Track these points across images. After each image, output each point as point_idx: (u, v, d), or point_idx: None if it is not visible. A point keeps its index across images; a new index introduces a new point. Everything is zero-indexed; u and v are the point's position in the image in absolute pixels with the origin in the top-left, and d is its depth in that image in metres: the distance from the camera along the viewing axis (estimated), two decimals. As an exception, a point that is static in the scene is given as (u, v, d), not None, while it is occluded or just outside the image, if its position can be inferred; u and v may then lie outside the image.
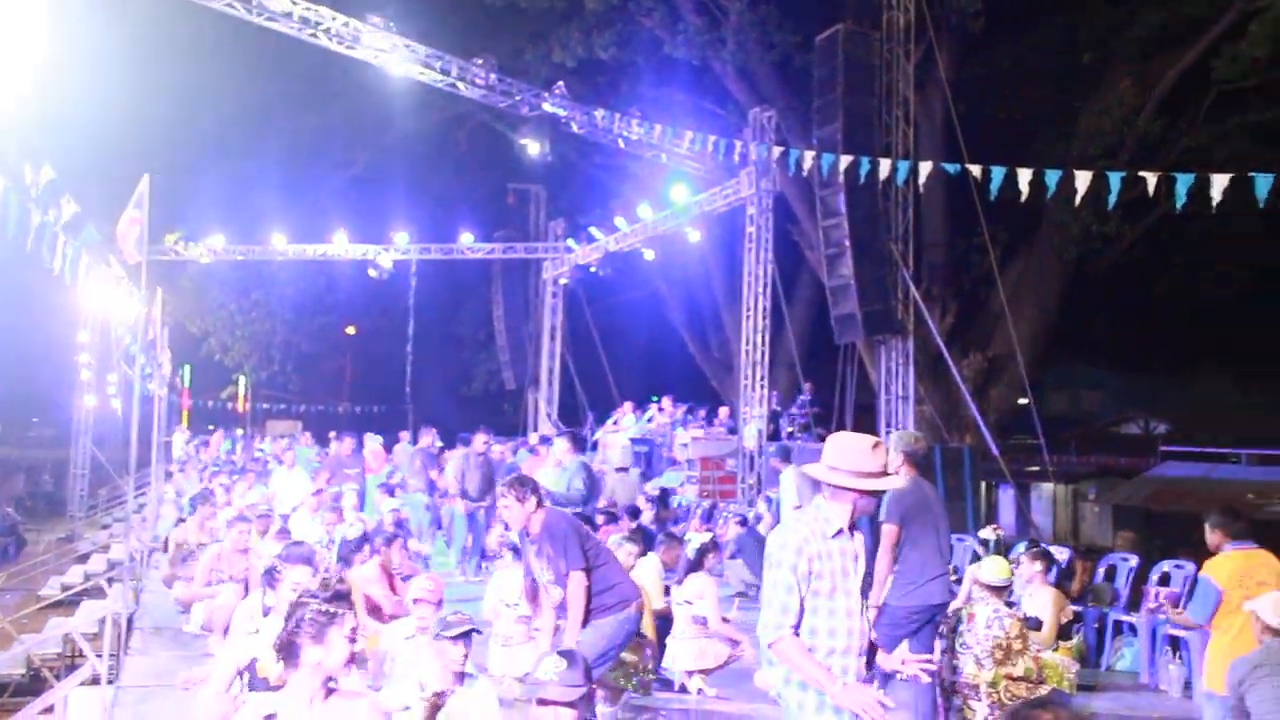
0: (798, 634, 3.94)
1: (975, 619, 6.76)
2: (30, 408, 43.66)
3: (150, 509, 16.58)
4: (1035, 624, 7.20)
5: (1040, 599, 7.41)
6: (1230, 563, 6.09)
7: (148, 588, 11.79)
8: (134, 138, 22.50)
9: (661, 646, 7.87)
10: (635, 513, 12.35)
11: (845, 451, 4.04)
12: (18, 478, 32.54)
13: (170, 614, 10.14)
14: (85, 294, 16.04)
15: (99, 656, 8.20)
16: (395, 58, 17.82)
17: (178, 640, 9.36)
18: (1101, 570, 9.82)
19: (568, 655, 3.86)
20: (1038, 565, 7.52)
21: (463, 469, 12.88)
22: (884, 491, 4.22)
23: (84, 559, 18.77)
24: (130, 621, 9.92)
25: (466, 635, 5.13)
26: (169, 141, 24.93)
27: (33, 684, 11.36)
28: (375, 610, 7.43)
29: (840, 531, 4.02)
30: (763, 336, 17.81)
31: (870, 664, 4.16)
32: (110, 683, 7.92)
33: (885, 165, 13.24)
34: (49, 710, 7.86)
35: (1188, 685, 7.97)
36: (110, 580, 13.74)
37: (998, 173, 11.15)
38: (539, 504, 6.10)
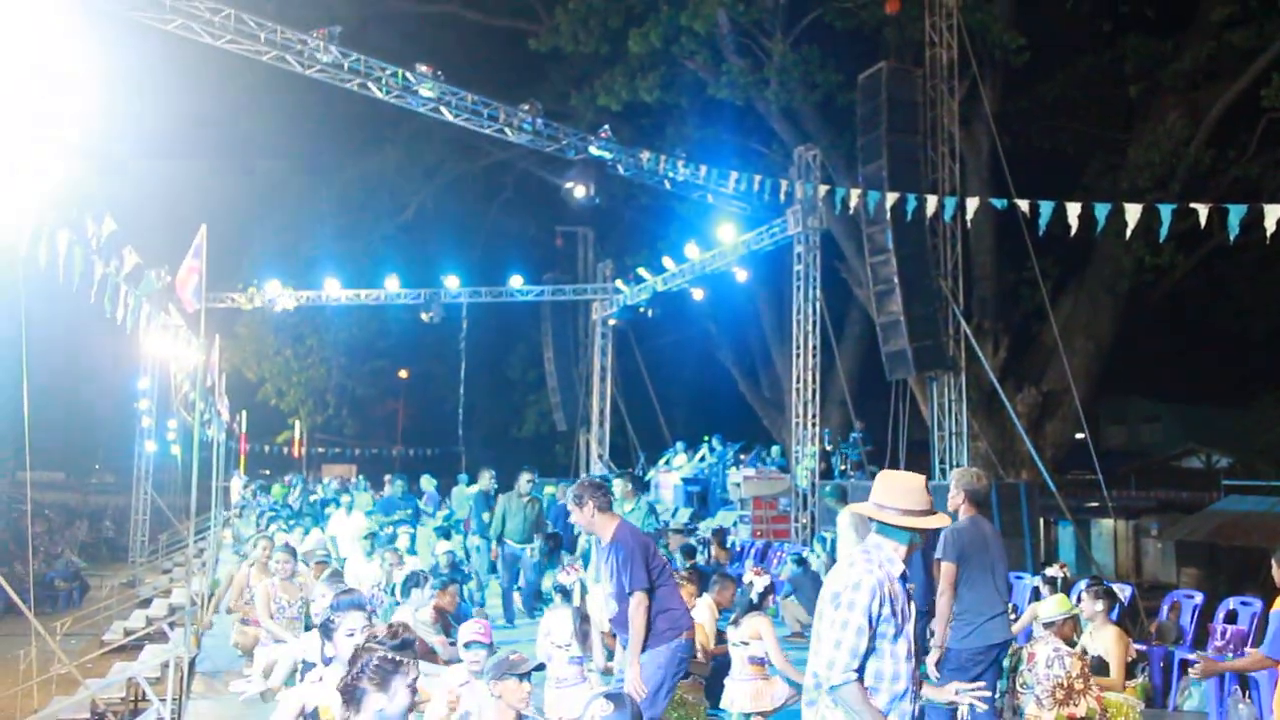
0: (861, 678, 3.92)
1: (1036, 658, 6.67)
2: (92, 454, 44.56)
3: (210, 554, 16.80)
4: (1097, 663, 7.09)
5: (1104, 638, 7.29)
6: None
7: (209, 632, 11.93)
8: (191, 188, 23.05)
9: (718, 687, 7.84)
10: (691, 552, 12.32)
11: (894, 489, 4.06)
12: (80, 523, 33.07)
13: (231, 657, 10.26)
14: (146, 342, 16.43)
15: (162, 700, 8.31)
16: (444, 106, 18.13)
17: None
18: (1166, 607, 9.66)
19: (615, 698, 3.82)
20: (1099, 604, 7.40)
21: (504, 511, 12.73)
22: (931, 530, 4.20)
23: (146, 603, 18.97)
24: (192, 665, 10.04)
25: (530, 673, 5.13)
26: (225, 192, 25.47)
27: (97, 728, 11.49)
28: (428, 655, 7.47)
29: (904, 574, 4.03)
30: (813, 374, 17.78)
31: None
32: (174, 727, 8.02)
33: (932, 201, 13.21)
34: (115, 754, 7.98)
35: (1258, 724, 7.79)
36: (172, 624, 13.93)
37: (1046, 207, 11.09)
38: (599, 509, 6.08)
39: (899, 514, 4.00)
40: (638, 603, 5.89)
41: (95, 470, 46.40)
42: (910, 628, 4.00)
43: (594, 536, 6.26)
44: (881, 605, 3.91)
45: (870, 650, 3.92)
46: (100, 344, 25.22)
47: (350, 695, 3.39)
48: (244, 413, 33.35)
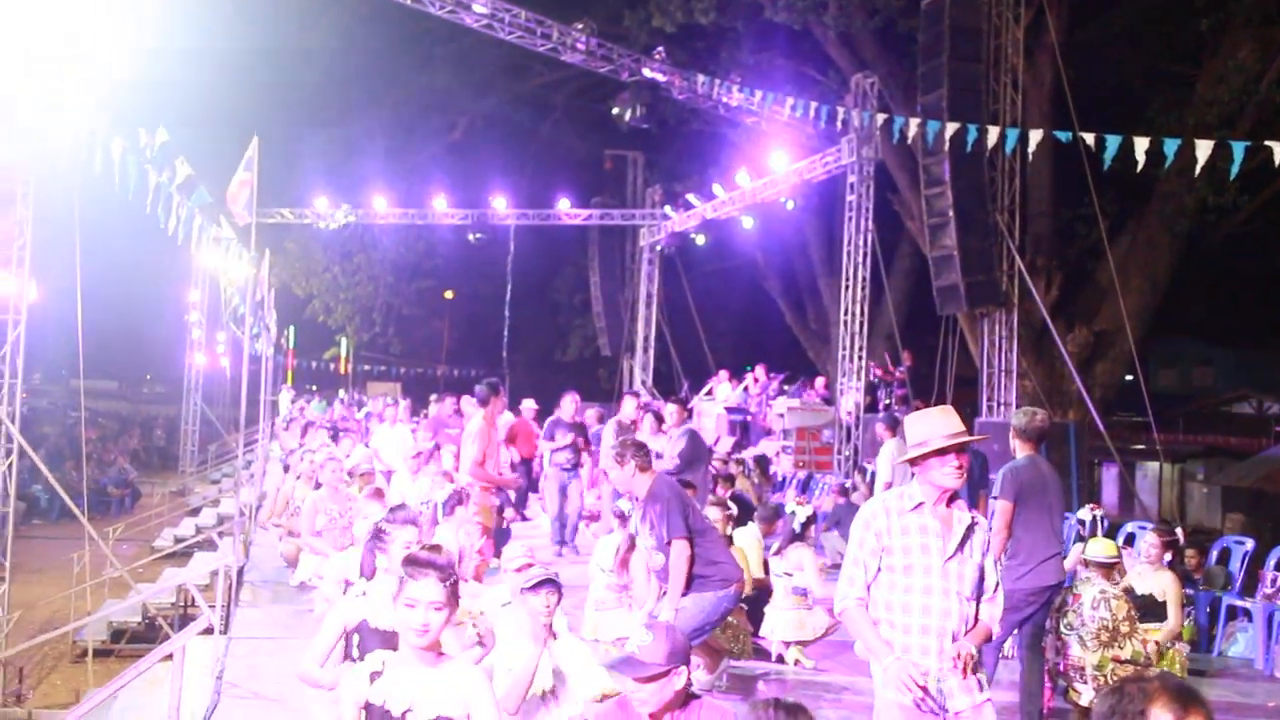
0: (865, 606, 3.99)
1: (1081, 599, 6.63)
2: (144, 364, 45.23)
3: (257, 465, 17.07)
4: (1148, 603, 7.03)
5: (1161, 581, 7.22)
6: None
7: (256, 542, 12.15)
8: (243, 101, 22.99)
9: (759, 616, 7.89)
10: (730, 479, 12.30)
11: (929, 423, 4.07)
12: (132, 432, 33.70)
13: (278, 568, 10.45)
14: (197, 254, 16.54)
15: (211, 607, 8.47)
16: (496, 23, 17.88)
17: (285, 594, 9.66)
18: (1215, 553, 9.56)
19: (655, 629, 3.77)
20: (1168, 555, 7.32)
21: (554, 432, 12.50)
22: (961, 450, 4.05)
23: (195, 512, 19.41)
24: (240, 574, 10.23)
25: (544, 584, 5.11)
26: (276, 105, 25.37)
27: (147, 632, 11.80)
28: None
29: (919, 505, 3.97)
30: (861, 307, 17.61)
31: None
32: (222, 633, 8.18)
33: (993, 133, 12.88)
34: (168, 658, 8.15)
35: (1305, 672, 7.73)
36: (220, 534, 14.21)
37: (1112, 141, 10.76)
38: (640, 467, 6.09)
39: (945, 439, 4.01)
40: (679, 551, 5.91)
41: (146, 380, 47.13)
42: (935, 562, 3.93)
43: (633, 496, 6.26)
44: (878, 538, 3.97)
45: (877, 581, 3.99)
46: (153, 255, 25.39)
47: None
48: (292, 328, 33.68)
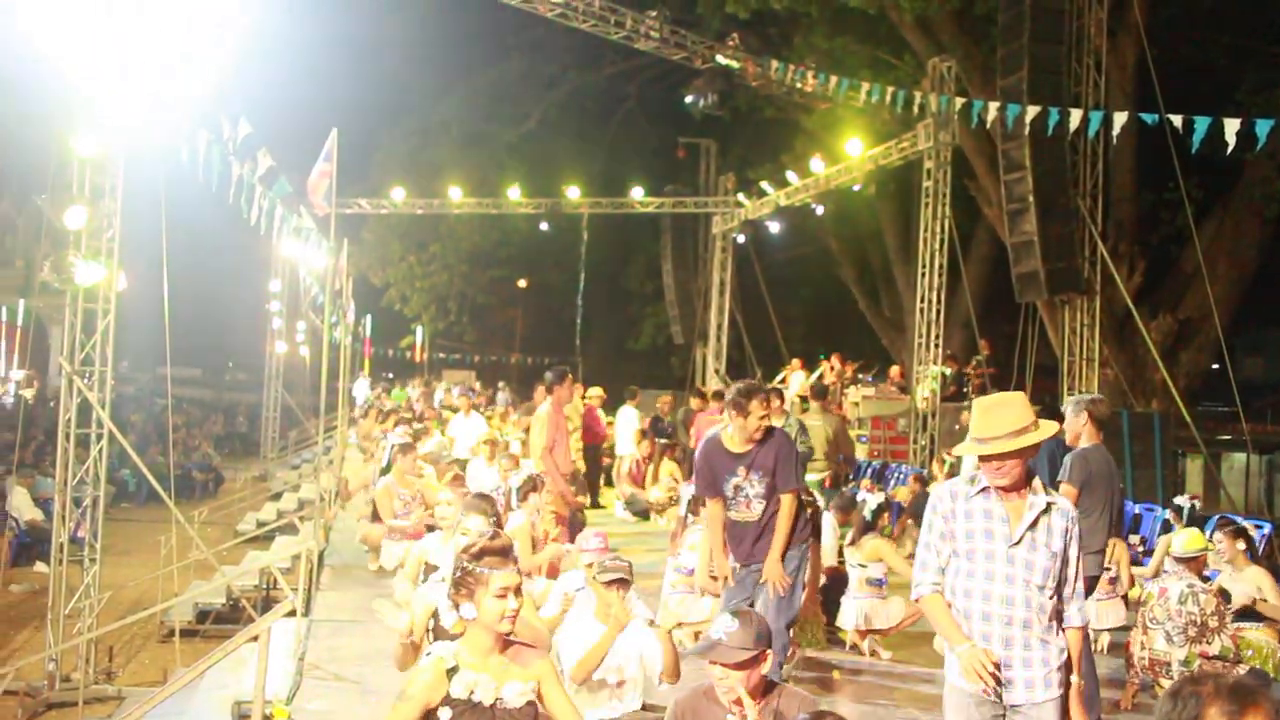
0: (939, 591, 3.95)
1: (1167, 594, 6.47)
2: (227, 352, 46.25)
3: (336, 452, 17.36)
4: (1242, 602, 6.85)
5: (1253, 576, 7.02)
6: None
7: (336, 526, 12.36)
8: (320, 92, 23.34)
9: (834, 605, 7.84)
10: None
11: (974, 419, 3.97)
12: (216, 418, 34.45)
13: (358, 552, 10.62)
14: (278, 244, 16.86)
15: (294, 590, 8.62)
16: (570, 11, 17.91)
17: (364, 578, 9.82)
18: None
19: (739, 615, 3.78)
20: (1240, 544, 7.13)
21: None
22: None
23: (277, 497, 19.77)
24: (321, 558, 10.42)
25: (619, 582, 5.13)
26: (352, 97, 25.70)
27: (231, 613, 12.06)
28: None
29: (986, 490, 3.89)
30: (938, 294, 17.38)
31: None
32: (304, 616, 8.33)
33: (1076, 116, 12.60)
34: (253, 639, 8.35)
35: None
36: (301, 518, 14.47)
37: (1201, 123, 10.47)
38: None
39: (1009, 438, 3.86)
40: (793, 500, 5.92)
41: (229, 368, 48.19)
42: (998, 547, 3.84)
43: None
44: (945, 521, 3.94)
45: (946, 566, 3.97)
46: (235, 245, 25.93)
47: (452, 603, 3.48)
48: (369, 317, 34.18)
